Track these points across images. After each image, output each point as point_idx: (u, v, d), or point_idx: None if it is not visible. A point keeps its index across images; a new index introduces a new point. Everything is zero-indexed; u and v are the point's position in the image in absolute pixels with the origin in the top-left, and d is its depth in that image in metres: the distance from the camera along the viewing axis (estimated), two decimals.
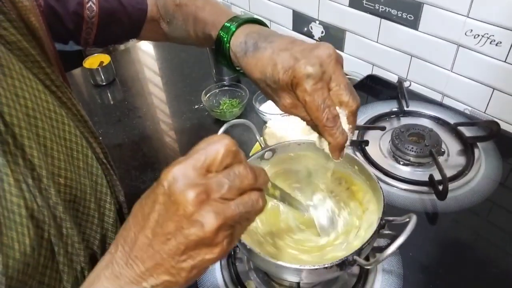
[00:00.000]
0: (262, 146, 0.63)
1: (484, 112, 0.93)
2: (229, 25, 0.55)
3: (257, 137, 0.64)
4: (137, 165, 0.89)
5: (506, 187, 0.78)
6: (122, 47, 1.43)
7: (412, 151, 0.81)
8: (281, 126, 0.85)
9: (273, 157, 0.61)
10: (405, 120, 0.93)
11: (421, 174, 0.80)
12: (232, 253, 0.66)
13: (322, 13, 1.12)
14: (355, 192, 0.59)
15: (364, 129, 0.90)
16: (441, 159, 0.81)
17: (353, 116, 0.46)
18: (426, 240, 0.69)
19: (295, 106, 0.47)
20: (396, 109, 0.95)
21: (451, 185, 0.74)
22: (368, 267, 0.61)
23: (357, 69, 1.12)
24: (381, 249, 0.50)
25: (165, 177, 0.31)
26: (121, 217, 0.55)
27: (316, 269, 0.46)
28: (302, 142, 0.61)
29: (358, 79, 1.08)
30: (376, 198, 0.55)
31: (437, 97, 1.00)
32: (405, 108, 0.94)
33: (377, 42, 1.04)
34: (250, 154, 0.63)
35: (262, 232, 0.57)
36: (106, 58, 1.15)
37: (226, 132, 0.57)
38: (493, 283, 0.63)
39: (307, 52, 0.45)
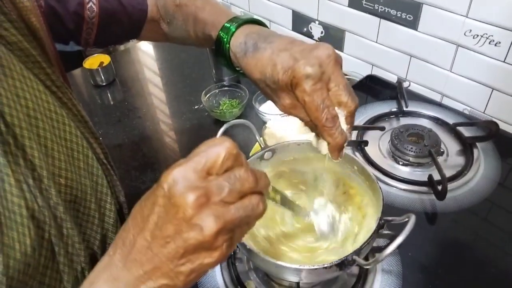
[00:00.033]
0: (262, 146, 0.64)
1: (483, 112, 0.93)
2: (229, 25, 0.55)
3: (257, 138, 0.64)
4: (137, 166, 0.89)
5: (505, 187, 0.78)
6: (122, 47, 1.43)
7: (411, 151, 0.81)
8: (281, 126, 0.85)
9: (273, 157, 0.61)
10: (404, 120, 0.93)
11: (420, 174, 0.80)
12: (232, 253, 0.66)
13: (322, 13, 1.12)
14: (353, 196, 0.59)
15: (363, 129, 0.90)
16: (440, 159, 0.81)
17: (351, 116, 0.46)
18: (425, 240, 0.69)
19: (294, 106, 0.47)
20: (395, 109, 0.95)
21: (450, 185, 0.74)
22: (368, 267, 0.61)
23: (357, 69, 1.12)
24: (380, 249, 0.50)
25: (165, 179, 0.31)
26: (121, 218, 0.55)
27: (316, 269, 0.46)
28: (301, 142, 0.61)
29: (358, 79, 1.08)
30: (375, 199, 0.55)
31: (436, 97, 1.00)
32: (404, 108, 0.94)
33: (376, 42, 1.04)
34: (250, 154, 0.63)
35: (262, 235, 0.57)
36: (106, 59, 1.15)
37: (226, 132, 0.57)
38: (492, 283, 0.63)
39: (306, 53, 0.45)
